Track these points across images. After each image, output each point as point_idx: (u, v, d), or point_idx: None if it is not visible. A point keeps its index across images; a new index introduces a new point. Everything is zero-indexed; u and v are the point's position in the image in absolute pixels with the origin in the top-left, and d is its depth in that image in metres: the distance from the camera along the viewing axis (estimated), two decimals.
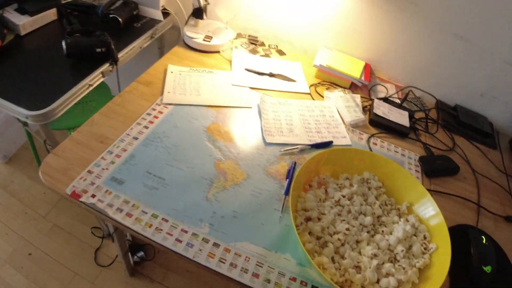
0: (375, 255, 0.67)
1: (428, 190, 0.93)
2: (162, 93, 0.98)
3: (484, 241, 0.84)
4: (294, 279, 0.69)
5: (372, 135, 1.02)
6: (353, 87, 1.20)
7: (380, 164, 0.81)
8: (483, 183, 1.03)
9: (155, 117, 0.91)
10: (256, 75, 1.10)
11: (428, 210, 0.76)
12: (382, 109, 1.08)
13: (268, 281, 0.67)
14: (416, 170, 0.98)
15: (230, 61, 1.14)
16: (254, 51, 1.22)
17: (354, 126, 1.03)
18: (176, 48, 1.18)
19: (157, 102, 0.95)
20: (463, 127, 1.18)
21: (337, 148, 0.80)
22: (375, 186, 0.80)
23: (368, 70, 1.22)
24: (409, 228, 0.72)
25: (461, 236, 0.86)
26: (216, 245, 0.70)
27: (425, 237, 0.74)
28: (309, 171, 0.76)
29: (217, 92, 1.01)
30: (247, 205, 0.77)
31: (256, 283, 0.66)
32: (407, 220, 0.76)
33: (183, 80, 1.02)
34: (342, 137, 0.98)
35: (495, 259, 0.82)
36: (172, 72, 1.04)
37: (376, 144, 1.00)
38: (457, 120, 1.19)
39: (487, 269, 0.80)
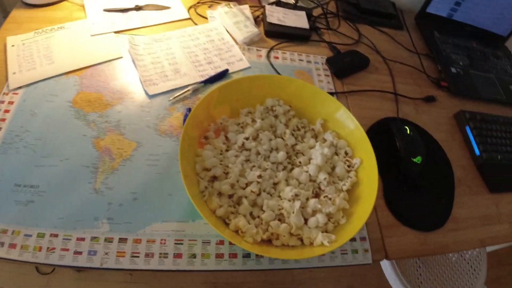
0: (297, 195, 0.55)
1: (342, 92, 0.82)
2: (7, 77, 0.71)
3: (408, 131, 0.76)
4: (221, 242, 0.58)
5: (271, 49, 0.85)
6: None
7: (282, 85, 0.67)
8: (396, 69, 0.94)
9: (6, 111, 0.66)
10: (120, 14, 0.85)
11: (344, 121, 0.65)
12: (276, 15, 0.90)
13: (194, 256, 0.56)
14: (325, 75, 0.85)
15: (83, 6, 0.86)
16: None
17: (249, 44, 0.85)
18: (13, 13, 0.85)
19: (4, 91, 0.68)
20: (365, 14, 1.05)
21: (227, 82, 0.63)
22: (282, 111, 0.66)
23: None
24: (327, 151, 0.61)
25: (384, 132, 0.78)
26: (122, 240, 0.56)
27: (346, 153, 0.63)
28: (200, 121, 0.60)
29: (75, 52, 0.77)
30: (146, 179, 0.62)
31: (180, 264, 0.55)
32: (324, 140, 0.65)
33: (28, 51, 0.75)
34: (238, 61, 0.81)
35: (423, 148, 0.75)
36: (13, 46, 0.76)
37: (277, 57, 0.85)
38: (358, 7, 1.05)
39: (417, 160, 0.73)
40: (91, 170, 0.61)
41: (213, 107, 0.62)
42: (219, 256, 0.57)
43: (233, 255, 0.57)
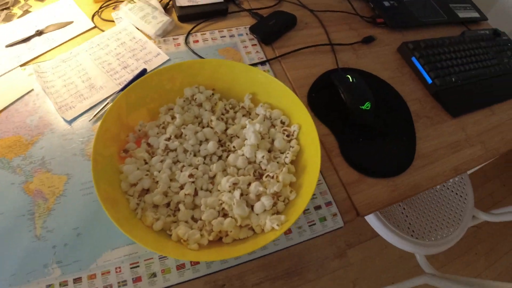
0: (235, 184, 0.49)
1: (274, 58, 0.75)
2: None
3: (351, 79, 0.70)
4: None
5: (188, 34, 0.77)
6: None
7: (195, 70, 0.59)
8: (327, 18, 0.86)
9: None
10: (23, 45, 0.76)
11: (271, 88, 0.58)
12: None
13: (154, 275, 0.51)
14: (252, 45, 0.77)
15: None
16: (9, 18, 0.84)
17: (164, 35, 0.77)
18: None
19: None
20: None
21: (131, 85, 0.55)
22: (204, 98, 0.59)
23: None
24: (259, 126, 0.54)
25: (327, 87, 0.72)
26: (77, 280, 0.50)
27: (283, 123, 0.57)
28: (114, 135, 0.53)
29: None
30: (85, 210, 0.55)
31: (142, 287, 0.50)
32: (256, 114, 0.58)
33: None
34: (156, 56, 0.73)
35: (369, 92, 0.69)
36: None
37: (197, 41, 0.77)
38: None
39: (366, 106, 0.68)
40: (27, 218, 0.55)
41: (125, 115, 0.54)
42: (181, 267, 0.52)
43: (195, 262, 0.52)
